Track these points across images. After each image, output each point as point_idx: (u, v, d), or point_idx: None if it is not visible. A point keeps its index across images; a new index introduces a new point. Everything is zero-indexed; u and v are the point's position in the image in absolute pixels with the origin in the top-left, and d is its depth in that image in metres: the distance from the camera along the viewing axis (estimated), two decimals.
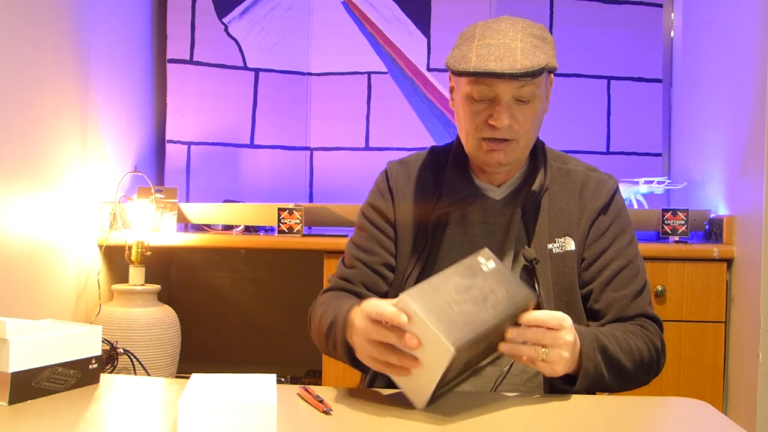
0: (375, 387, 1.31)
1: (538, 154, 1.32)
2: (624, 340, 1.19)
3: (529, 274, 1.28)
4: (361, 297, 1.28)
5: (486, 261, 1.04)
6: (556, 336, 1.05)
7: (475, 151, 1.27)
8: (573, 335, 1.07)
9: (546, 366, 1.06)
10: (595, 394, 1.26)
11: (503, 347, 1.04)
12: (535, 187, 1.29)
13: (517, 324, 1.04)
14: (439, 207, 1.31)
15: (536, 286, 1.26)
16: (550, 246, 1.28)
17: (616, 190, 1.35)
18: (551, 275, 1.27)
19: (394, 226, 1.35)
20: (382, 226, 1.36)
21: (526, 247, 1.28)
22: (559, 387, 1.16)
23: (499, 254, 1.30)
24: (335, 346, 1.18)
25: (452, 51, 1.22)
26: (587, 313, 1.30)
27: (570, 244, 1.29)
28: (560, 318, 1.06)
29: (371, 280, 1.34)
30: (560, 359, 1.05)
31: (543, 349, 1.04)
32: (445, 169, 1.35)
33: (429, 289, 0.98)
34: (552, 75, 1.29)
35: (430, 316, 0.94)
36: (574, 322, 1.29)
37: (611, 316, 1.27)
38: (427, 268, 1.30)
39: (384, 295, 1.33)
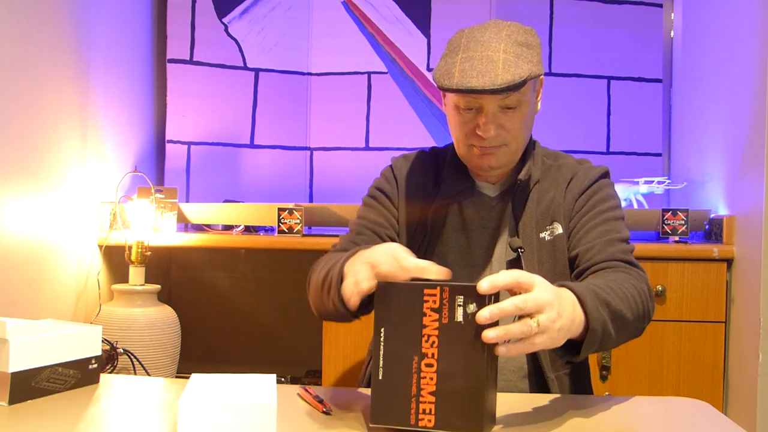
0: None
1: (529, 151, 1.34)
2: (619, 289, 1.10)
3: (516, 265, 1.30)
4: None
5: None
6: (535, 299, 0.89)
7: (467, 156, 1.30)
8: (552, 292, 0.92)
9: (544, 339, 0.90)
10: (578, 365, 1.26)
11: (489, 336, 0.87)
12: (522, 176, 1.30)
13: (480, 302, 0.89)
14: (437, 201, 1.34)
15: None
16: (542, 235, 1.30)
17: (604, 174, 1.36)
18: (539, 263, 1.28)
19: (397, 210, 1.37)
20: (388, 206, 1.38)
21: (514, 237, 1.30)
22: (559, 360, 1.07)
23: (492, 247, 1.32)
24: (330, 287, 1.11)
25: (439, 62, 1.24)
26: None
27: (558, 229, 1.31)
28: (528, 276, 0.91)
29: None
30: (552, 324, 0.90)
31: (532, 320, 0.89)
32: (444, 167, 1.37)
33: None
34: (541, 76, 1.29)
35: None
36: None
37: (588, 262, 1.23)
38: None
39: None
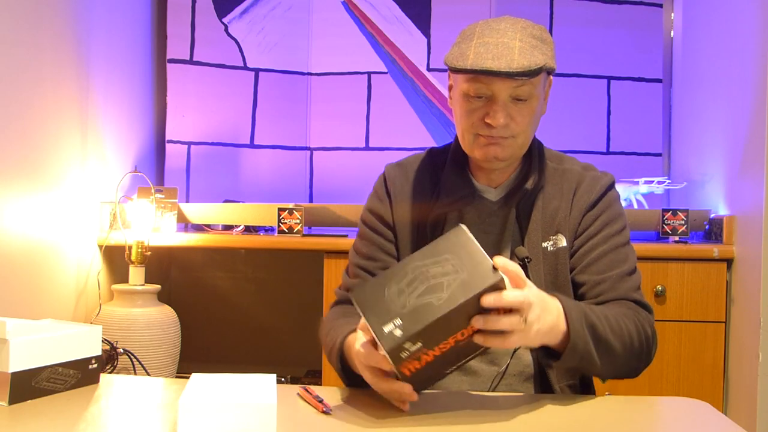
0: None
1: (534, 154, 1.32)
2: (615, 320, 1.15)
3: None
4: None
5: (457, 239, 1.01)
6: (526, 296, 0.98)
7: (471, 146, 1.27)
8: (537, 296, 1.02)
9: (521, 337, 0.99)
10: (585, 375, 1.26)
11: (479, 322, 0.97)
12: (529, 185, 1.29)
13: (482, 310, 0.97)
14: (437, 207, 1.32)
15: None
16: (545, 244, 1.28)
17: (610, 186, 1.34)
18: (545, 274, 1.27)
19: (393, 229, 1.36)
20: (381, 230, 1.36)
21: (519, 246, 1.29)
22: (544, 361, 1.12)
23: (495, 254, 1.30)
24: (333, 359, 1.21)
25: (452, 48, 1.22)
26: (575, 298, 1.29)
27: (562, 241, 1.29)
28: (521, 300, 0.98)
29: None
30: (531, 325, 1.00)
31: (521, 317, 0.98)
32: (443, 170, 1.35)
33: (381, 282, 0.99)
34: (551, 76, 1.28)
35: (370, 314, 0.96)
36: None
37: (597, 298, 1.24)
38: None
39: None
